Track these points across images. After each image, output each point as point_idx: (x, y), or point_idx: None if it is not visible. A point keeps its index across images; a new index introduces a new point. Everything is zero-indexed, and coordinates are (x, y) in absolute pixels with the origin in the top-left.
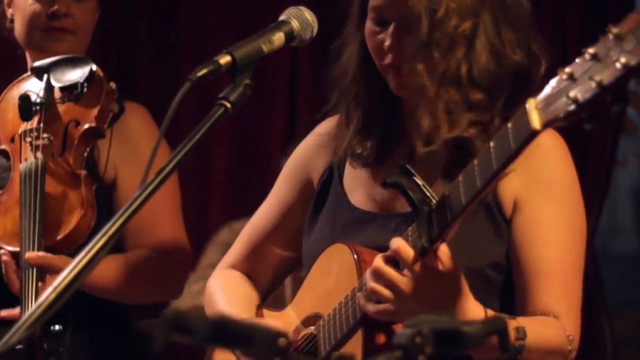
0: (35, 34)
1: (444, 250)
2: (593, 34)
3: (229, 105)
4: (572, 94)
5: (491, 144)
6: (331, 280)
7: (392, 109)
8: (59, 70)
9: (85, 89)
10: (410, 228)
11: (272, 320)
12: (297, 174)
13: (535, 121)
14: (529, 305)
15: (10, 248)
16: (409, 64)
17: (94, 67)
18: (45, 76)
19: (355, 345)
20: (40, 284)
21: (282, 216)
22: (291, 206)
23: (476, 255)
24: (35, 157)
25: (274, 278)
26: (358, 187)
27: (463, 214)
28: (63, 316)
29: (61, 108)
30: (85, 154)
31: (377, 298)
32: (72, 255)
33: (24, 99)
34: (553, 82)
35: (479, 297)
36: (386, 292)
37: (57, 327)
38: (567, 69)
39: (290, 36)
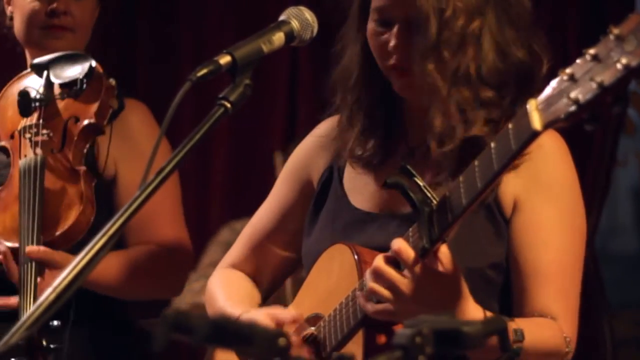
0: (34, 31)
1: (444, 252)
2: (593, 34)
3: (229, 105)
4: (572, 94)
5: (492, 144)
6: (332, 280)
7: (392, 109)
8: (59, 67)
9: (84, 85)
10: (411, 229)
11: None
12: (297, 175)
13: (536, 122)
14: (527, 306)
15: (9, 244)
16: (420, 64)
17: (94, 64)
18: (45, 73)
19: (356, 345)
20: (39, 279)
21: (282, 217)
22: (291, 207)
23: (476, 255)
24: (35, 153)
25: (274, 278)
26: (358, 188)
27: (464, 215)
28: (63, 313)
29: (61, 104)
30: (85, 150)
31: (376, 298)
32: (71, 251)
33: (24, 95)
34: (554, 83)
35: (479, 298)
36: (385, 293)
37: (55, 322)
38: (568, 70)
39: (290, 36)
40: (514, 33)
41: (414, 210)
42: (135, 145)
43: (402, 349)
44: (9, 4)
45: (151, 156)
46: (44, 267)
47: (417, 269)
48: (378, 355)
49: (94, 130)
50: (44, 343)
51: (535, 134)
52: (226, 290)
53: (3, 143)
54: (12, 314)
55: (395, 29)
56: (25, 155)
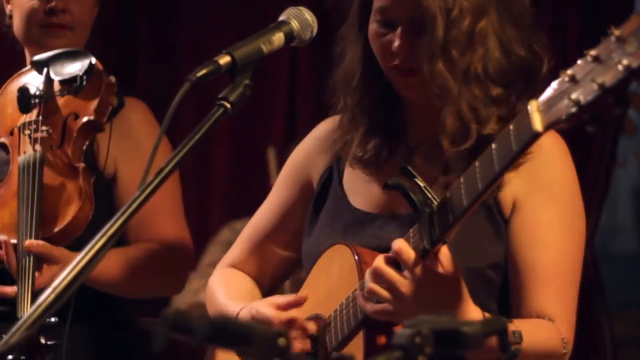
0: (33, 30)
1: (444, 253)
2: (593, 34)
3: (228, 105)
4: (573, 96)
5: (493, 145)
6: (332, 281)
7: (392, 110)
8: (59, 64)
9: (84, 82)
10: (411, 230)
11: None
12: (297, 175)
13: (537, 123)
14: (525, 307)
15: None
16: (429, 64)
17: (94, 60)
18: (45, 69)
19: (356, 346)
20: (36, 273)
21: (282, 217)
22: (291, 207)
23: (476, 255)
24: (34, 150)
25: (274, 278)
26: (358, 188)
27: (465, 216)
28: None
29: (60, 101)
30: (84, 147)
31: (376, 299)
32: (70, 247)
33: (23, 91)
34: (554, 84)
35: (478, 298)
36: (384, 293)
37: (53, 319)
38: (569, 71)
39: (289, 36)
40: (516, 32)
41: (414, 211)
42: (135, 144)
43: (402, 349)
44: (8, 2)
45: (151, 156)
46: (42, 261)
47: (418, 270)
48: (378, 355)
49: (93, 127)
50: (42, 340)
51: (536, 135)
52: (227, 288)
53: (2, 139)
54: (12, 314)
55: (399, 30)
56: (25, 152)
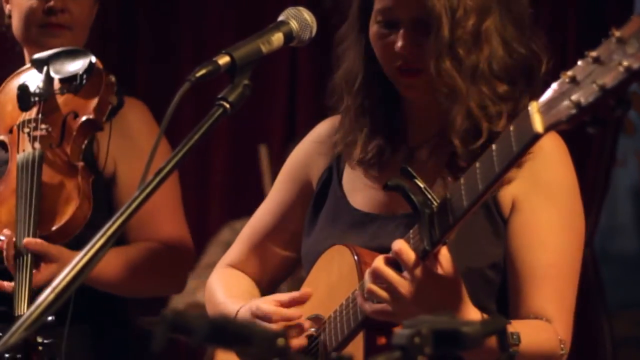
0: (32, 29)
1: (444, 254)
2: (592, 35)
3: (228, 105)
4: (574, 97)
5: (493, 147)
6: (331, 281)
7: (392, 111)
8: (59, 62)
9: (84, 81)
10: (411, 231)
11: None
12: (296, 175)
13: (538, 124)
14: (522, 307)
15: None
16: (436, 64)
17: (94, 59)
18: (45, 68)
19: (356, 347)
20: (34, 271)
21: (281, 216)
22: (290, 207)
23: (476, 255)
24: (33, 148)
25: (273, 278)
26: (357, 189)
27: (465, 217)
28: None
29: (60, 99)
30: (83, 146)
31: (375, 299)
32: (68, 246)
33: (23, 89)
34: (555, 85)
35: (477, 298)
36: (384, 294)
37: (49, 318)
38: (570, 72)
39: (289, 36)
40: (516, 31)
41: (414, 212)
42: (134, 144)
43: (401, 349)
44: (7, 2)
45: (150, 156)
46: (39, 259)
47: (417, 271)
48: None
49: (92, 126)
50: (38, 339)
51: (536, 137)
52: (226, 287)
53: (1, 137)
54: (9, 315)
55: (402, 30)
56: (24, 150)
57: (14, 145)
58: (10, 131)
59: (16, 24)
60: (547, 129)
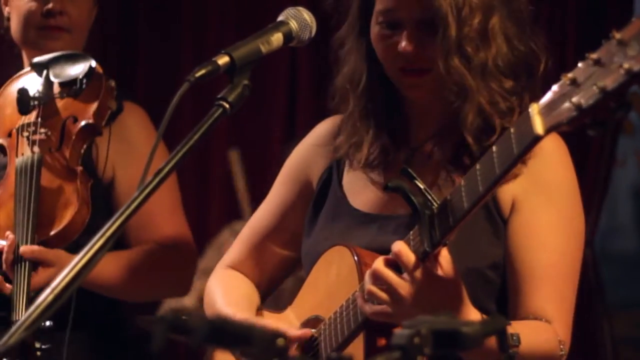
0: (30, 32)
1: (444, 256)
2: (592, 35)
3: (227, 105)
4: (575, 99)
5: (494, 148)
6: (332, 282)
7: (393, 112)
8: (59, 66)
9: (84, 85)
10: (411, 232)
11: (272, 321)
12: (296, 175)
13: (538, 126)
14: (522, 308)
15: (3, 242)
16: (445, 63)
17: (94, 64)
18: (45, 71)
19: (356, 348)
20: (32, 273)
21: (281, 217)
22: (290, 207)
23: (476, 256)
24: (32, 152)
25: (273, 278)
26: (357, 189)
27: (465, 219)
28: (62, 315)
29: (60, 103)
30: (82, 151)
31: (375, 300)
32: (67, 250)
33: (23, 92)
34: (556, 87)
35: (477, 298)
36: (383, 295)
37: (47, 323)
38: (570, 74)
39: (288, 37)
40: (517, 29)
41: (415, 213)
42: (133, 149)
43: (401, 350)
44: (6, 4)
45: (149, 157)
46: (38, 263)
47: (417, 272)
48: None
49: (92, 131)
50: (36, 344)
51: (537, 139)
52: (225, 291)
53: (0, 141)
54: (8, 321)
55: (406, 31)
56: (23, 154)
57: (12, 149)
58: (9, 135)
59: (15, 26)
60: (548, 131)
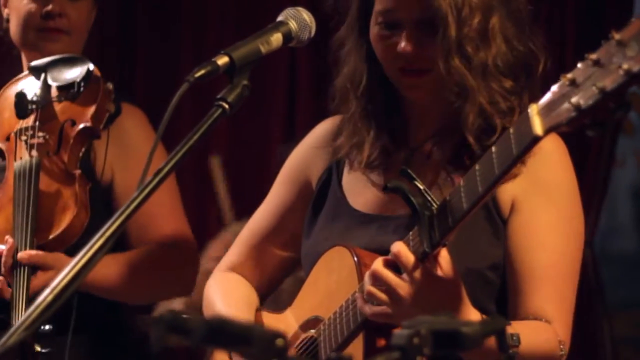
0: (30, 34)
1: (444, 256)
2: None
3: (227, 106)
4: (574, 100)
5: (493, 149)
6: (331, 283)
7: (393, 112)
8: (57, 70)
9: (82, 88)
10: (411, 232)
11: (271, 322)
12: (295, 176)
13: (537, 127)
14: (522, 308)
15: (2, 247)
16: (445, 63)
17: (92, 67)
18: (43, 75)
19: (356, 348)
20: (32, 277)
21: (280, 218)
22: (290, 208)
23: (476, 256)
24: (30, 156)
25: (272, 279)
26: (357, 189)
27: (464, 219)
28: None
29: (58, 107)
30: (81, 154)
31: (375, 301)
32: (66, 254)
33: (20, 96)
34: (555, 88)
35: (477, 298)
36: (382, 296)
37: (47, 327)
38: (569, 75)
39: (288, 37)
40: (516, 29)
41: (414, 214)
42: (131, 151)
43: (400, 350)
44: (5, 6)
45: (149, 157)
46: (37, 267)
47: (416, 272)
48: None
49: (90, 134)
50: (37, 348)
51: (536, 139)
52: (223, 294)
53: None
54: (7, 324)
55: (405, 32)
56: (21, 158)
57: (11, 152)
58: (8, 138)
59: (14, 28)
60: (547, 131)
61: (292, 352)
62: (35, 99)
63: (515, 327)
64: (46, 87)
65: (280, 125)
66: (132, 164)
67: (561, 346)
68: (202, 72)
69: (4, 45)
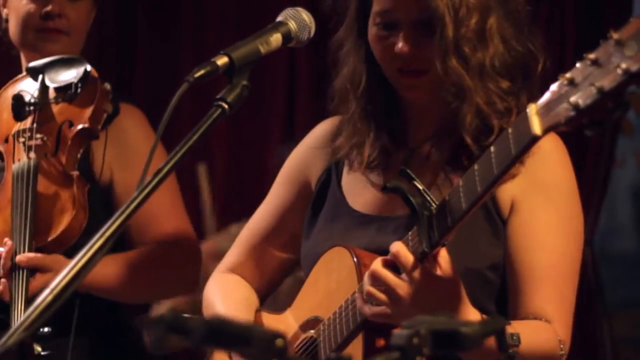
0: (29, 34)
1: (443, 256)
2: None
3: (226, 106)
4: (572, 99)
5: (492, 148)
6: (331, 283)
7: (392, 112)
8: (54, 71)
9: (79, 90)
10: (410, 232)
11: (271, 323)
12: (295, 177)
13: (536, 127)
14: (522, 308)
15: (0, 249)
16: (442, 63)
17: (89, 68)
18: (40, 76)
19: (355, 348)
20: (30, 279)
21: (280, 218)
22: (289, 208)
23: (476, 256)
24: (28, 157)
25: (272, 280)
26: (356, 190)
27: (464, 219)
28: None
29: (55, 108)
30: (79, 155)
31: (374, 301)
32: (65, 255)
33: (17, 99)
34: (554, 87)
35: (476, 298)
36: (382, 296)
37: (46, 329)
38: (568, 75)
39: (287, 37)
40: (514, 30)
41: (413, 214)
42: (130, 151)
43: (400, 350)
44: (4, 6)
45: (148, 157)
46: (35, 270)
47: (415, 272)
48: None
49: (88, 135)
50: (37, 349)
51: (535, 139)
52: (223, 295)
53: None
54: (7, 325)
55: (402, 32)
56: (19, 159)
57: (9, 154)
58: (6, 140)
59: (13, 28)
60: (546, 131)
61: (292, 352)
62: (32, 100)
63: (515, 327)
64: (44, 88)
65: (279, 126)
66: (131, 163)
67: (561, 346)
68: (202, 72)
69: (3, 46)
